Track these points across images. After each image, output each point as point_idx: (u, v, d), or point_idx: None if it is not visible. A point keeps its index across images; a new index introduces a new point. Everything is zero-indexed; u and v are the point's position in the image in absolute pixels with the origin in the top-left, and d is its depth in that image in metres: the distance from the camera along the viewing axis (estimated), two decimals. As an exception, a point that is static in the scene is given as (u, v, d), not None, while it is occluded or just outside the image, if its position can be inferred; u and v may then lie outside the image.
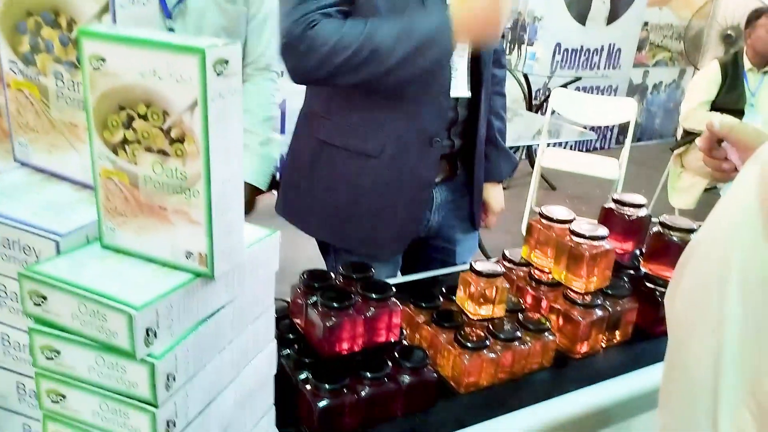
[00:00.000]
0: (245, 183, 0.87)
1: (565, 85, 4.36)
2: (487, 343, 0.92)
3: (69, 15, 0.59)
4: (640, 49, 5.69)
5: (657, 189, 3.91)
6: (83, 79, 0.52)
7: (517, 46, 4.88)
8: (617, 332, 1.08)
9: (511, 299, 1.06)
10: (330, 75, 1.10)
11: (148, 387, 0.51)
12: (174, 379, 0.53)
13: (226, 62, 0.49)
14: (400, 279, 1.31)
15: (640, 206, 1.14)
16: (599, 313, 1.02)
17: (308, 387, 0.80)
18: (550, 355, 1.00)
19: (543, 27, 4.95)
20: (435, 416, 0.87)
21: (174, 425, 0.54)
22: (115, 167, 0.54)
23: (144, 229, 0.55)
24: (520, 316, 1.00)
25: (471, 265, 0.98)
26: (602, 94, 5.54)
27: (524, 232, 1.45)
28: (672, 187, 3.69)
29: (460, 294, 1.00)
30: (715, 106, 3.43)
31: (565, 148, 4.19)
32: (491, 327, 0.95)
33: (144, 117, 0.51)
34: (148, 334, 0.50)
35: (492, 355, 0.92)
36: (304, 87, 1.31)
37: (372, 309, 0.85)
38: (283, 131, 3.84)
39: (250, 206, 1.58)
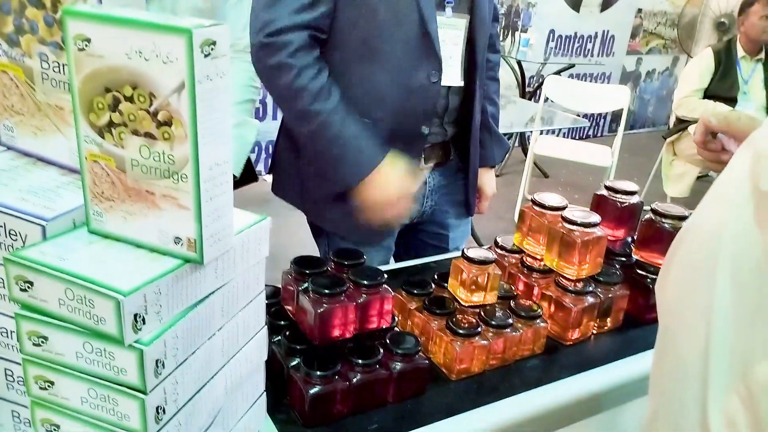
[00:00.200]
0: None
1: (558, 72, 4.34)
2: (479, 329, 0.92)
3: (53, -6, 0.58)
4: (633, 36, 5.67)
5: (649, 177, 3.93)
6: (68, 60, 0.51)
7: (510, 32, 4.85)
8: (608, 319, 1.09)
9: (503, 286, 1.06)
10: (278, 100, 1.22)
11: (136, 373, 0.51)
12: (163, 366, 0.52)
13: (214, 43, 0.48)
14: (392, 266, 1.30)
15: (632, 193, 1.14)
16: (591, 300, 1.03)
17: (299, 374, 0.80)
18: (541, 341, 1.00)
19: (537, 13, 4.93)
20: (427, 403, 0.87)
21: (164, 412, 0.54)
22: (101, 150, 0.53)
23: (132, 213, 0.55)
24: (512, 303, 1.00)
25: (463, 252, 0.98)
26: (595, 81, 5.53)
27: (516, 220, 1.45)
28: (665, 175, 3.71)
29: (452, 281, 1.00)
30: (708, 94, 3.44)
31: (558, 135, 4.18)
32: (483, 314, 0.95)
33: (130, 99, 0.50)
34: (136, 320, 0.49)
35: (484, 341, 0.92)
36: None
37: (364, 296, 0.85)
38: (275, 117, 3.83)
39: None
